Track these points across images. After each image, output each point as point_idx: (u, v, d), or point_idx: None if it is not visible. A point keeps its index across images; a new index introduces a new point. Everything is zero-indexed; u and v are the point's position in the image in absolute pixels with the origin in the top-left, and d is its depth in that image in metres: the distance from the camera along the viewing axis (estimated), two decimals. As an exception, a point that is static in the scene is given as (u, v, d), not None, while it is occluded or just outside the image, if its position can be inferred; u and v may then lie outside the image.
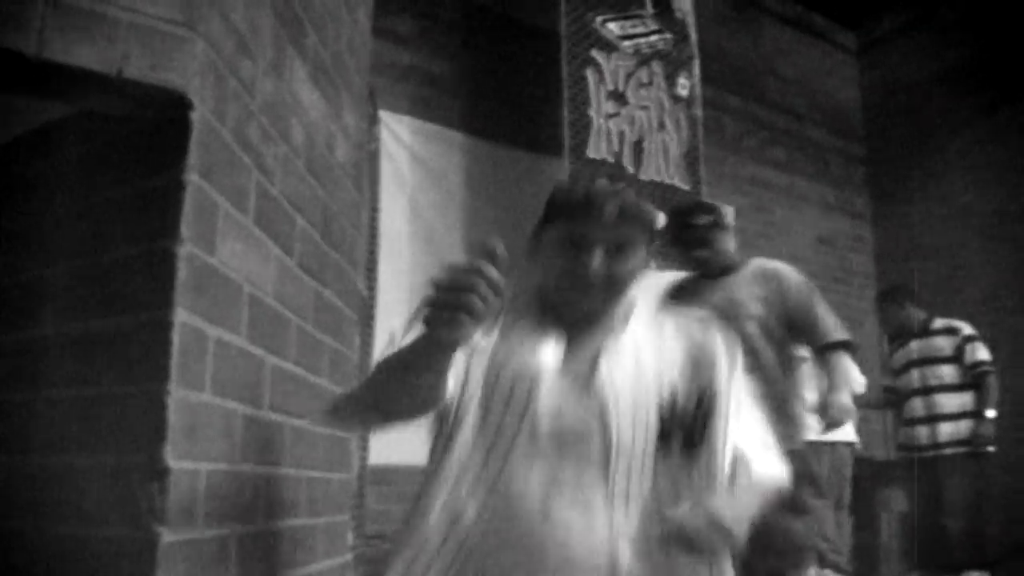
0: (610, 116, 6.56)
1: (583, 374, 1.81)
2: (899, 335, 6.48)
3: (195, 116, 1.70)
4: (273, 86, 2.12)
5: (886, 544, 7.29)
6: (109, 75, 1.62)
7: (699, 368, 1.87)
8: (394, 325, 6.00)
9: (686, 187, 6.82)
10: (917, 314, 6.41)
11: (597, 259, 1.79)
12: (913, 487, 6.42)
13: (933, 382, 6.15)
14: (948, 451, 6.01)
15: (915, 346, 6.34)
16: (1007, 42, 9.27)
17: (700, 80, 7.28)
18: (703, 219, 4.42)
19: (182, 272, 1.63)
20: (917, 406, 6.22)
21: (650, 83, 6.93)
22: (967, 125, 9.50)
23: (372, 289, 5.48)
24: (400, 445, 5.83)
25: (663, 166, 6.76)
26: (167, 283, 1.61)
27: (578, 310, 1.86)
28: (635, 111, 6.74)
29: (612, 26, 6.83)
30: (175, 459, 1.60)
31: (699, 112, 7.16)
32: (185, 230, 1.64)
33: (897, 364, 6.45)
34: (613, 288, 1.83)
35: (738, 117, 9.17)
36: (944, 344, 6.20)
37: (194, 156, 1.68)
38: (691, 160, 6.99)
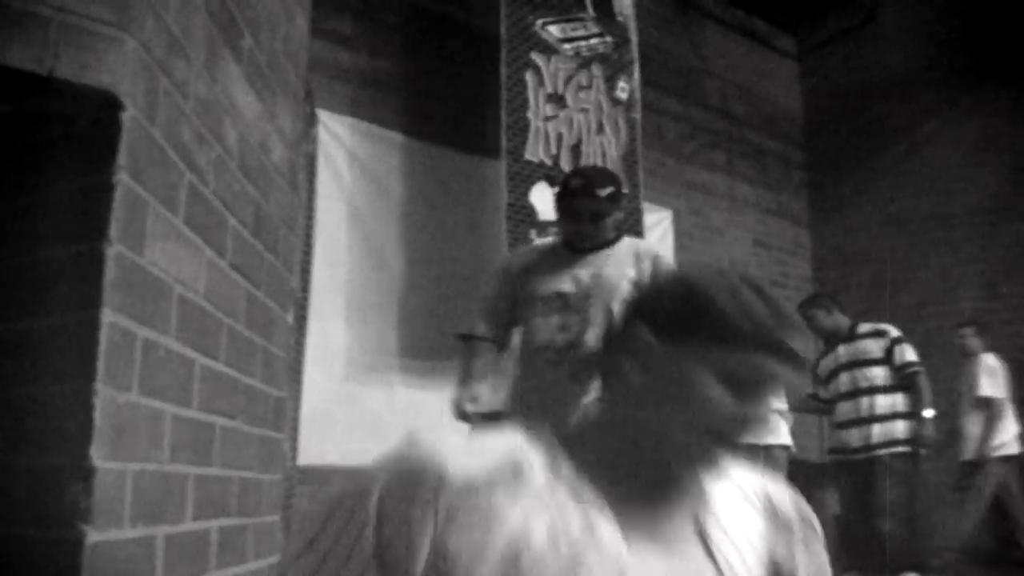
0: (548, 119, 6.60)
1: (680, 540, 1.34)
2: (827, 341, 6.56)
3: (126, 117, 1.70)
4: (206, 87, 2.13)
5: (821, 545, 7.38)
6: (40, 75, 1.62)
7: (776, 540, 1.44)
8: (330, 325, 5.95)
9: (624, 190, 6.87)
10: (843, 320, 6.53)
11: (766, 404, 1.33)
12: (844, 490, 6.51)
13: (864, 384, 6.23)
14: (880, 452, 6.09)
15: (843, 351, 6.43)
16: (943, 49, 9.45)
17: (640, 83, 7.35)
18: (607, 190, 3.88)
19: (110, 272, 1.63)
20: (847, 409, 6.29)
21: (589, 86, 6.98)
22: (902, 131, 9.68)
23: (305, 290, 5.48)
24: (330, 445, 5.85)
25: (601, 169, 6.81)
26: (95, 283, 1.62)
27: (708, 468, 1.38)
28: (574, 114, 6.79)
29: (553, 29, 6.88)
30: (101, 459, 1.60)
31: (638, 115, 7.23)
32: (114, 231, 1.65)
33: (825, 370, 6.55)
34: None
35: (678, 120, 9.25)
36: (873, 347, 6.29)
37: (124, 157, 1.68)
38: (629, 163, 7.05)
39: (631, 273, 3.84)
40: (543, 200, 6.37)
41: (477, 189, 6.81)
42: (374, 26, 6.89)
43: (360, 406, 6.01)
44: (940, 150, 9.41)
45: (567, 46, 6.95)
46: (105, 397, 1.61)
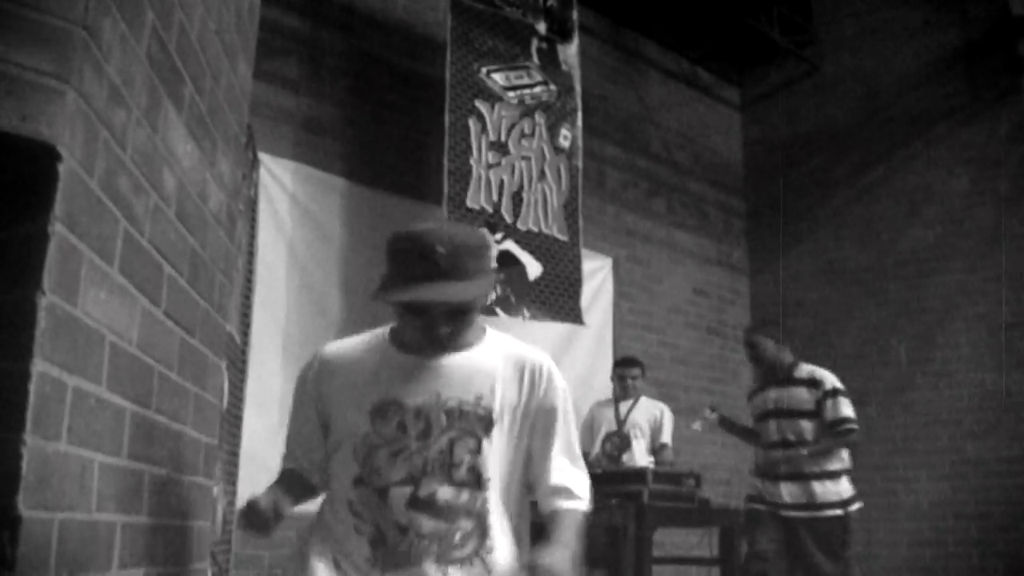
0: (491, 166, 6.64)
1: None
2: (764, 373, 6.21)
3: (63, 168, 1.70)
4: (146, 136, 2.14)
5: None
6: (-22, 126, 1.62)
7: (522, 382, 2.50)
8: (267, 370, 5.85)
9: (564, 237, 6.92)
10: (786, 356, 6.10)
11: None
12: (773, 538, 6.27)
13: (791, 437, 5.90)
14: (803, 512, 5.82)
15: (773, 395, 6.03)
16: (883, 102, 9.62)
17: (583, 131, 7.41)
18: None
19: (42, 322, 1.63)
20: (777, 458, 6.01)
21: (532, 134, 7.03)
22: (841, 182, 9.84)
23: (246, 335, 5.41)
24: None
25: (542, 216, 6.85)
26: (27, 333, 1.62)
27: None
28: (516, 161, 6.83)
29: (497, 76, 6.93)
30: (28, 508, 1.60)
31: (579, 163, 7.28)
32: (48, 281, 1.65)
33: (755, 411, 6.21)
34: None
35: (620, 168, 9.32)
36: (805, 397, 5.91)
37: (60, 207, 1.68)
38: (570, 211, 7.10)
39: None
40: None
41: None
42: (318, 70, 6.91)
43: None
44: (878, 201, 9.55)
45: (511, 94, 7.00)
46: (33, 447, 1.61)
